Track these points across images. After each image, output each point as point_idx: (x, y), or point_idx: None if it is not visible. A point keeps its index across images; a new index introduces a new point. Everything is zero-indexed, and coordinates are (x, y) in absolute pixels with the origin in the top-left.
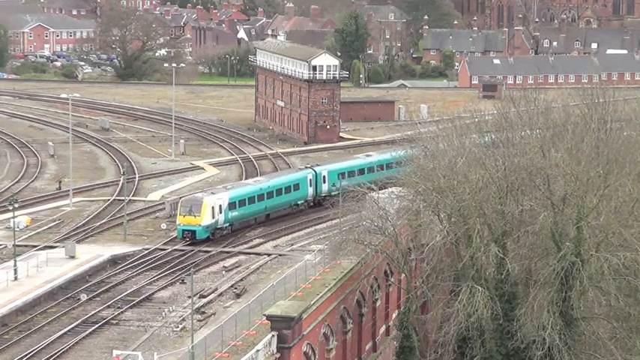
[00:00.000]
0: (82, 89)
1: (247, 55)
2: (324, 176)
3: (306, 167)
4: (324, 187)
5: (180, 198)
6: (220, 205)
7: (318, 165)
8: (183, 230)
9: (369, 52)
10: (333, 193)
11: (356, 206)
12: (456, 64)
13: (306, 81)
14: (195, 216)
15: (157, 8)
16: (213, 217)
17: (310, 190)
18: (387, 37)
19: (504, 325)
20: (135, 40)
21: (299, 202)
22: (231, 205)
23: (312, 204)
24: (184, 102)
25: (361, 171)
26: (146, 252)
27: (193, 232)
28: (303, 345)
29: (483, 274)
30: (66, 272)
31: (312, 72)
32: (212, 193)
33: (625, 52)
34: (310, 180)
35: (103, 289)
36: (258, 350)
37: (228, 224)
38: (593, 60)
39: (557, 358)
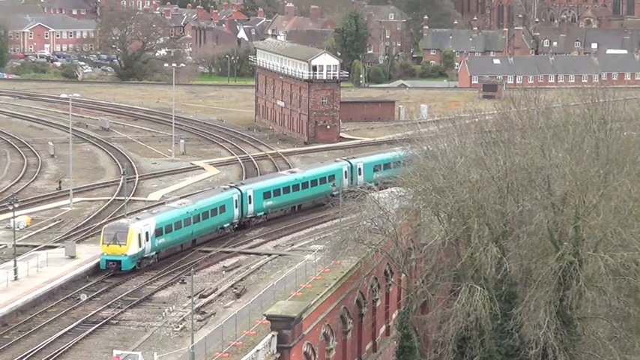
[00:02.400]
0: (82, 89)
1: (247, 55)
2: (249, 196)
3: (230, 187)
4: (250, 208)
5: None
6: (147, 232)
7: (242, 184)
8: (108, 260)
9: (369, 52)
10: (259, 214)
11: (356, 206)
12: (456, 64)
13: (306, 81)
14: (120, 245)
15: (157, 8)
16: (140, 246)
17: (236, 212)
18: (387, 37)
19: (504, 324)
20: (135, 40)
21: (225, 226)
22: (158, 232)
23: (237, 226)
24: (184, 102)
25: (286, 189)
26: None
27: (119, 262)
28: (303, 345)
29: (483, 273)
30: (66, 272)
31: (312, 72)
32: (138, 219)
33: (625, 52)
34: (236, 201)
35: (103, 289)
36: (258, 350)
37: (155, 253)
38: (593, 60)
39: (552, 358)
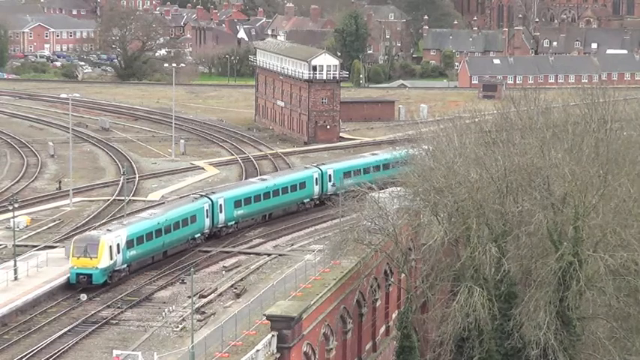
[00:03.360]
0: (82, 89)
1: (247, 55)
2: (220, 205)
3: (201, 195)
4: (221, 218)
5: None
6: (118, 244)
7: (213, 192)
8: (78, 274)
9: (369, 52)
10: (229, 223)
11: (356, 206)
12: (456, 64)
13: (306, 81)
14: (91, 257)
15: (157, 8)
16: (112, 258)
17: (207, 222)
18: (387, 37)
19: (503, 324)
20: (135, 40)
21: (196, 236)
22: (130, 244)
23: (208, 236)
24: (184, 102)
25: (257, 197)
26: None
27: (90, 275)
28: (303, 345)
29: (482, 273)
30: (66, 272)
31: (312, 72)
32: (109, 230)
33: (625, 52)
34: (207, 210)
35: (103, 289)
36: (258, 350)
37: (126, 265)
38: (593, 60)
39: (552, 358)
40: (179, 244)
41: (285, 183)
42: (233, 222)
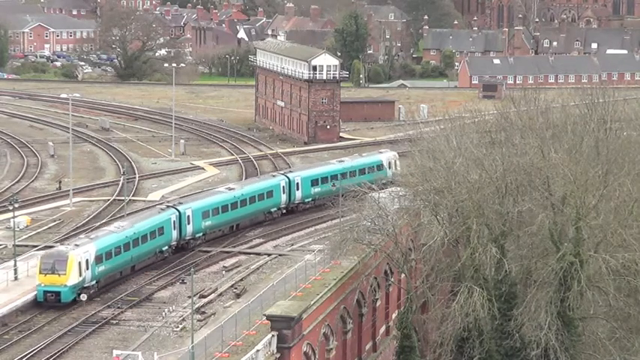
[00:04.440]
0: (82, 89)
1: (247, 55)
2: (188, 216)
3: (168, 206)
4: (189, 229)
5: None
6: (87, 260)
7: (180, 203)
8: (45, 292)
9: (369, 52)
10: (197, 235)
11: (356, 206)
12: (456, 64)
13: (306, 81)
14: (59, 274)
15: (157, 8)
16: (81, 275)
17: (174, 234)
18: (387, 37)
19: (503, 325)
20: (135, 40)
21: (164, 249)
22: (98, 259)
23: (176, 248)
24: (184, 102)
25: (224, 207)
26: None
27: (58, 293)
28: (303, 345)
29: (482, 274)
30: None
31: (312, 72)
32: (77, 245)
33: (625, 52)
34: (174, 222)
35: (103, 289)
36: (258, 350)
37: (95, 281)
38: (593, 60)
39: (553, 358)
40: (147, 257)
41: (253, 192)
42: (201, 234)
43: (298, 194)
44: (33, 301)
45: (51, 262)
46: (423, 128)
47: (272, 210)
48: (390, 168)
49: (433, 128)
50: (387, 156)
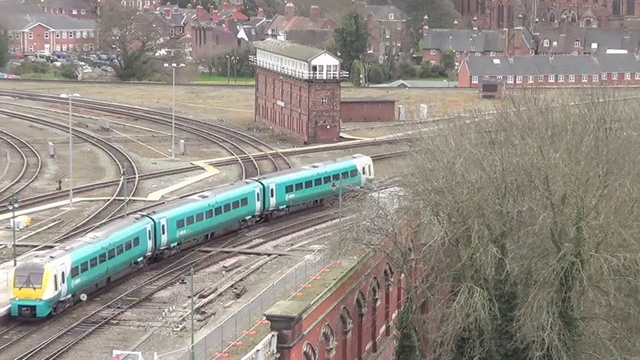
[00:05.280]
0: (82, 89)
1: (247, 55)
2: (163, 225)
3: (142, 215)
4: (164, 239)
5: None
6: (63, 273)
7: (154, 212)
8: (20, 306)
9: (369, 52)
10: (172, 245)
11: (355, 206)
12: (456, 64)
13: (306, 81)
14: (35, 288)
15: (157, 8)
16: (57, 288)
17: (150, 244)
18: (387, 37)
19: (503, 325)
20: (135, 40)
21: (139, 260)
22: (74, 271)
23: (150, 259)
24: (184, 102)
25: (199, 216)
26: None
27: (33, 307)
28: (303, 345)
29: (482, 274)
30: None
31: (312, 72)
32: (52, 257)
33: (625, 52)
34: (149, 232)
35: (103, 289)
36: (258, 350)
37: (71, 295)
38: (593, 60)
39: (556, 359)
40: (123, 269)
41: (227, 200)
42: (176, 243)
43: (272, 201)
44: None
45: (26, 276)
46: (422, 128)
47: (247, 218)
48: (364, 173)
49: (433, 128)
50: (360, 161)
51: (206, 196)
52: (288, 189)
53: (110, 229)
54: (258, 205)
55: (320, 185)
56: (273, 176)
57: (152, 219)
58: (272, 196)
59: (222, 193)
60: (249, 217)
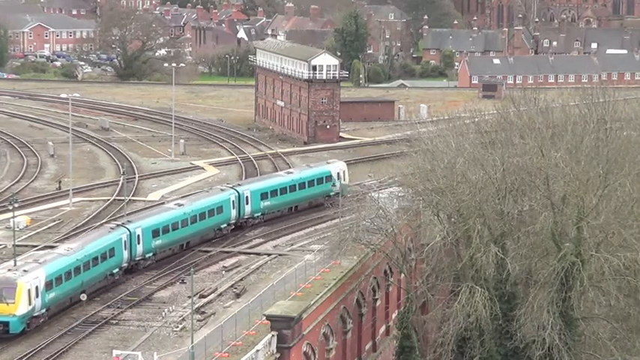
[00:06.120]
0: (82, 89)
1: (247, 55)
2: (138, 236)
3: (118, 225)
4: (139, 249)
5: None
6: (37, 287)
7: (130, 222)
8: None
9: (369, 52)
10: (147, 255)
11: (355, 206)
12: (456, 64)
13: (306, 81)
14: (7, 303)
15: (157, 8)
16: (30, 303)
17: (125, 255)
18: (387, 37)
19: (504, 325)
20: (135, 40)
21: (114, 271)
22: (48, 285)
23: (125, 270)
24: (184, 102)
25: (175, 225)
26: None
27: (6, 324)
28: (303, 345)
29: (483, 274)
30: None
31: (312, 72)
32: (25, 271)
33: (625, 52)
34: (125, 242)
35: (103, 289)
36: (258, 350)
37: (45, 310)
38: (593, 60)
39: (556, 359)
40: (97, 281)
41: (203, 208)
42: (151, 253)
43: (248, 209)
44: None
45: None
46: (422, 128)
47: (222, 226)
48: (338, 179)
49: (432, 129)
50: (335, 166)
51: (182, 205)
52: (263, 196)
53: (85, 239)
54: (234, 213)
55: (295, 192)
56: (247, 183)
57: (128, 229)
58: (247, 203)
59: (198, 202)
60: (225, 225)
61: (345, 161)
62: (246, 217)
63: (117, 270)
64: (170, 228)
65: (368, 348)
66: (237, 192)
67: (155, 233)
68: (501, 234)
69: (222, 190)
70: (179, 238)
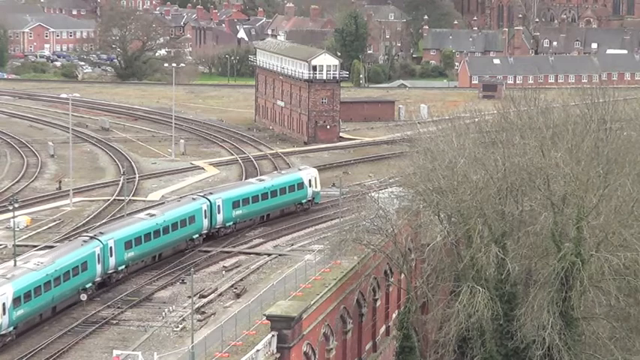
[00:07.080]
0: (82, 89)
1: (247, 55)
2: (111, 247)
3: (91, 237)
4: (112, 262)
5: None
6: (4, 304)
7: (102, 233)
8: None
9: (369, 52)
10: (120, 268)
11: (355, 206)
12: (456, 64)
13: (306, 81)
14: None
15: (157, 8)
16: None
17: (98, 268)
18: (387, 37)
19: (504, 325)
20: (135, 40)
21: (87, 286)
22: (16, 302)
23: (99, 284)
24: (184, 102)
25: (147, 236)
26: None
27: None
28: (303, 345)
29: (483, 274)
30: None
31: (312, 72)
32: None
33: (625, 52)
34: (98, 255)
35: (103, 289)
36: (258, 350)
37: (12, 327)
38: (593, 60)
39: (556, 358)
40: (69, 297)
41: (175, 218)
42: (124, 266)
43: (219, 218)
44: None
45: None
46: (422, 128)
47: (194, 237)
48: (310, 186)
49: (433, 129)
50: (307, 173)
51: (154, 215)
52: (235, 204)
53: (56, 253)
54: (206, 222)
55: (267, 200)
56: (218, 191)
57: (100, 241)
58: (219, 212)
59: (170, 211)
60: (197, 235)
61: (346, 161)
62: (217, 226)
63: (90, 284)
64: (142, 239)
65: (368, 348)
66: (209, 201)
67: (127, 245)
68: (502, 234)
69: (193, 199)
70: (152, 250)
